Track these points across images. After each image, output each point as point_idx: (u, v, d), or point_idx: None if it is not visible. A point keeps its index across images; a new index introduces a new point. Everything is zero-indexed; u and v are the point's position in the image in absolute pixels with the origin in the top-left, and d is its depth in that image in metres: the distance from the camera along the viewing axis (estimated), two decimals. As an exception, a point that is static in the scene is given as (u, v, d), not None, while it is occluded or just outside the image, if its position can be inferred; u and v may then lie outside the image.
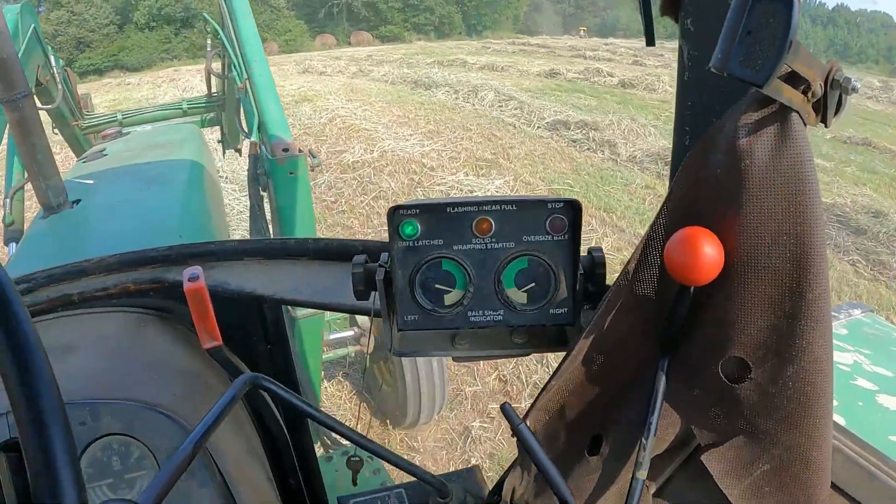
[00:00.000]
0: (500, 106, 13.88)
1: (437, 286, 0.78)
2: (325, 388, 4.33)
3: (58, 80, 3.55)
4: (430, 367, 3.43)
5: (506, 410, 0.75)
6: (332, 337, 3.73)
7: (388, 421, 3.94)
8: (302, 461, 1.28)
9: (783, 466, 0.66)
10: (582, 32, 40.73)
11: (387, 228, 0.77)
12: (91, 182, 2.62)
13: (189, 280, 0.90)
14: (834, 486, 0.70)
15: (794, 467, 0.66)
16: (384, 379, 3.91)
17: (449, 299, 0.79)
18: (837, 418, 0.86)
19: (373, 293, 0.82)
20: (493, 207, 0.75)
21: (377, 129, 11.94)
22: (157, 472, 0.79)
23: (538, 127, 12.07)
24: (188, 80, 20.34)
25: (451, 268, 0.77)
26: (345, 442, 3.42)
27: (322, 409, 1.05)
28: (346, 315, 3.70)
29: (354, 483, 1.08)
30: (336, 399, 4.29)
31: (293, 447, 1.19)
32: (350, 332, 3.79)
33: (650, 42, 0.76)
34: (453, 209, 0.75)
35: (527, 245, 0.77)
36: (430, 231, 0.76)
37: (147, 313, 1.15)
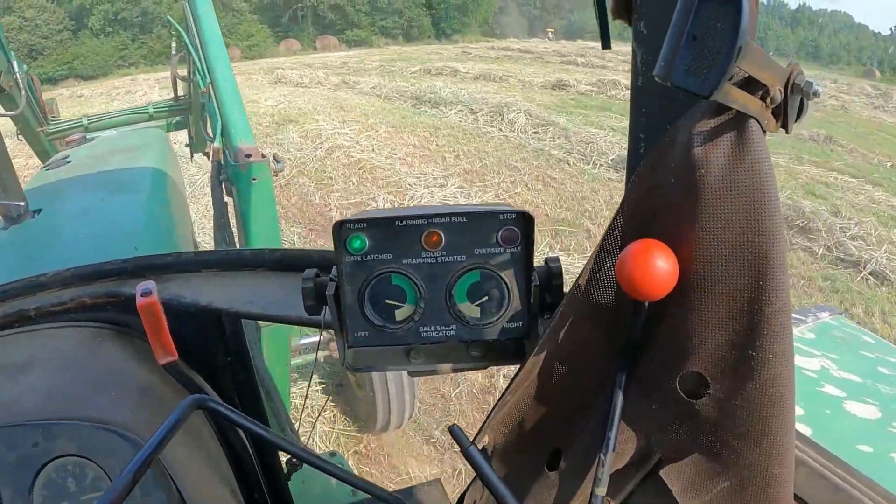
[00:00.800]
0: (536, 133, 11.14)
1: (387, 301, 0.76)
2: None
3: (21, 85, 3.46)
4: (399, 374, 3.41)
5: (454, 433, 0.73)
6: (301, 342, 3.69)
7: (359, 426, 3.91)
8: (268, 473, 1.27)
9: (744, 483, 0.64)
10: (550, 35, 40.29)
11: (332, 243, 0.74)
12: (53, 191, 2.56)
13: (142, 295, 0.89)
14: (798, 500, 0.68)
15: (755, 484, 0.64)
16: (357, 384, 3.88)
17: (400, 314, 0.76)
18: (803, 428, 0.85)
19: (324, 307, 0.79)
20: (443, 220, 0.73)
21: (395, 168, 9.58)
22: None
23: (600, 165, 9.41)
24: (146, 93, 18.96)
25: (402, 282, 0.75)
26: (319, 450, 3.38)
27: (294, 426, 1.02)
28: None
29: (289, 478, 1.06)
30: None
31: (258, 459, 1.18)
32: (317, 338, 3.76)
33: (605, 45, 0.73)
34: (402, 222, 0.73)
35: (478, 258, 0.75)
36: (379, 245, 0.74)
37: (104, 328, 1.13)
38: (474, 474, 1.00)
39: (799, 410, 0.85)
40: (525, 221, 0.73)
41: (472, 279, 0.75)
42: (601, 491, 0.66)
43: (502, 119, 11.97)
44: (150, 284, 0.90)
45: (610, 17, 0.67)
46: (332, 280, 0.77)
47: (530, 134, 11.23)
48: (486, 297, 0.76)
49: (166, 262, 1.19)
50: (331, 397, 4.21)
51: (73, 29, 34.04)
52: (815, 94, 0.57)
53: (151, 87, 20.69)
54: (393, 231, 0.74)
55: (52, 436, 0.81)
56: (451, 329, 0.77)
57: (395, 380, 3.41)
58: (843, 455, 0.76)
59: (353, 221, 0.73)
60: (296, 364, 3.71)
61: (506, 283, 0.75)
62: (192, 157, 5.30)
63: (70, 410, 0.86)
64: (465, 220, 0.73)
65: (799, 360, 1.03)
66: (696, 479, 0.66)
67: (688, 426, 0.65)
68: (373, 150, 10.48)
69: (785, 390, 0.59)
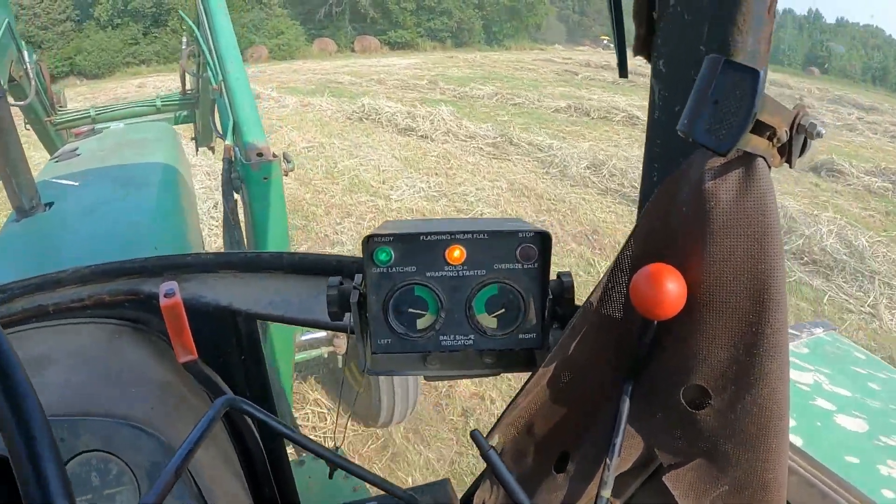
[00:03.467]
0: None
1: (409, 311, 0.80)
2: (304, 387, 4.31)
3: (31, 75, 3.48)
4: (405, 379, 3.45)
5: (475, 437, 0.77)
6: (304, 338, 3.72)
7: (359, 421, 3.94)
8: (276, 470, 1.29)
9: (740, 488, 0.69)
10: (606, 42, 34.24)
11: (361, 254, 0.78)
12: (67, 184, 2.58)
13: (165, 296, 0.91)
14: None
15: (751, 489, 0.69)
16: (357, 380, 3.91)
17: (421, 324, 0.80)
18: (795, 439, 0.89)
19: (346, 313, 0.83)
20: (466, 236, 0.77)
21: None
22: (133, 488, 0.80)
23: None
24: (161, 90, 16.02)
25: (424, 294, 0.79)
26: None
27: (296, 420, 1.05)
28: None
29: (330, 477, 1.09)
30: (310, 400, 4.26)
31: (267, 456, 1.20)
32: (323, 334, 3.79)
33: (623, 74, 0.78)
34: (426, 237, 0.77)
35: (497, 273, 0.79)
36: (404, 258, 0.78)
37: (121, 325, 1.14)
38: (479, 475, 1.05)
39: (791, 422, 0.89)
40: (543, 240, 0.77)
41: (490, 292, 0.79)
42: (606, 493, 0.71)
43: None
44: (172, 285, 0.92)
45: (630, 53, 0.71)
46: (355, 288, 0.80)
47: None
48: (503, 310, 0.80)
49: (186, 262, 1.21)
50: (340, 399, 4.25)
51: (78, 19, 29.52)
52: (819, 135, 0.62)
53: (161, 88, 17.65)
54: (418, 245, 0.77)
55: (77, 431, 0.82)
56: (470, 339, 0.81)
57: (400, 378, 3.45)
58: (831, 465, 0.81)
59: (380, 235, 0.77)
60: (299, 359, 3.75)
61: (522, 297, 0.79)
62: (196, 151, 5.33)
63: (90, 406, 0.88)
64: (486, 236, 0.77)
65: (793, 374, 1.08)
66: (697, 483, 0.71)
67: (689, 434, 0.70)
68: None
69: (780, 402, 0.64)
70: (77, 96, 17.55)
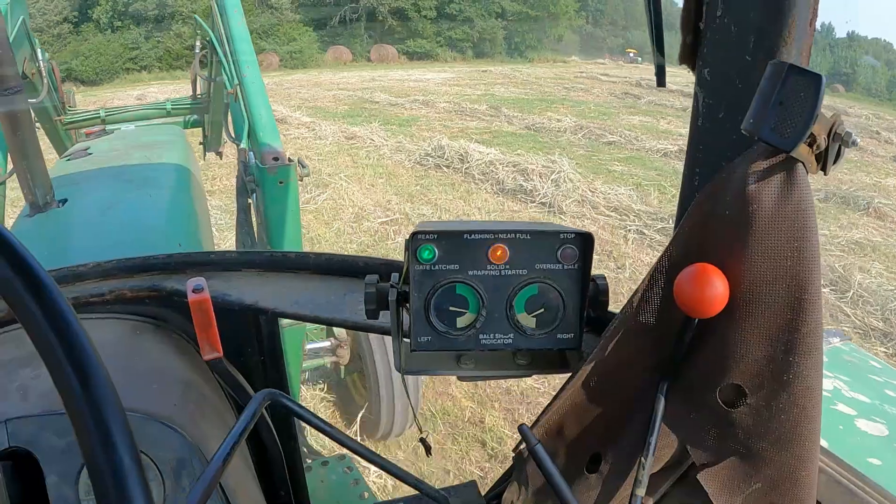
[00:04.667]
0: None
1: (450, 309, 0.81)
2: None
3: (43, 73, 3.51)
4: (400, 384, 3.45)
5: (523, 431, 0.79)
6: (308, 347, 3.73)
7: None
8: (291, 473, 1.29)
9: (774, 485, 0.71)
10: (632, 55, 33.72)
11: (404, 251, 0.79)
12: (77, 182, 2.60)
13: (193, 291, 0.92)
14: (817, 503, 0.75)
15: (784, 486, 0.70)
16: (357, 391, 3.92)
17: (461, 322, 0.81)
18: (821, 441, 0.91)
19: (381, 312, 0.84)
20: (509, 236, 0.78)
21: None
22: (158, 483, 0.80)
23: None
24: (157, 100, 13.41)
25: (465, 292, 0.80)
26: (324, 452, 3.42)
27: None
28: (324, 326, 3.70)
29: (428, 454, 1.09)
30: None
31: (285, 457, 1.20)
32: (326, 343, 3.80)
33: (661, 83, 0.80)
34: (470, 236, 0.78)
35: (539, 273, 0.80)
36: (447, 256, 0.79)
37: (143, 321, 1.14)
38: (502, 476, 1.07)
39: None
40: (584, 241, 0.79)
41: (531, 292, 0.81)
42: (641, 492, 0.73)
43: None
44: (201, 281, 0.93)
45: (678, 61, 0.74)
46: (392, 287, 0.82)
47: None
48: (542, 310, 0.81)
49: (210, 259, 1.21)
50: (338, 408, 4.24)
51: (76, 21, 27.81)
52: (854, 143, 0.64)
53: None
54: (461, 244, 0.79)
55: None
56: (510, 337, 0.82)
57: (399, 386, 3.45)
58: (855, 466, 0.83)
59: (424, 233, 0.78)
60: (304, 368, 3.76)
61: (562, 297, 0.80)
62: (204, 155, 5.36)
63: None
64: (528, 236, 0.79)
65: (818, 381, 1.10)
66: (731, 481, 0.73)
67: (724, 433, 0.72)
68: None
69: (814, 401, 0.66)
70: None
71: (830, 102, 20.99)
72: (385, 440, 3.84)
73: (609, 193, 8.83)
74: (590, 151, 11.95)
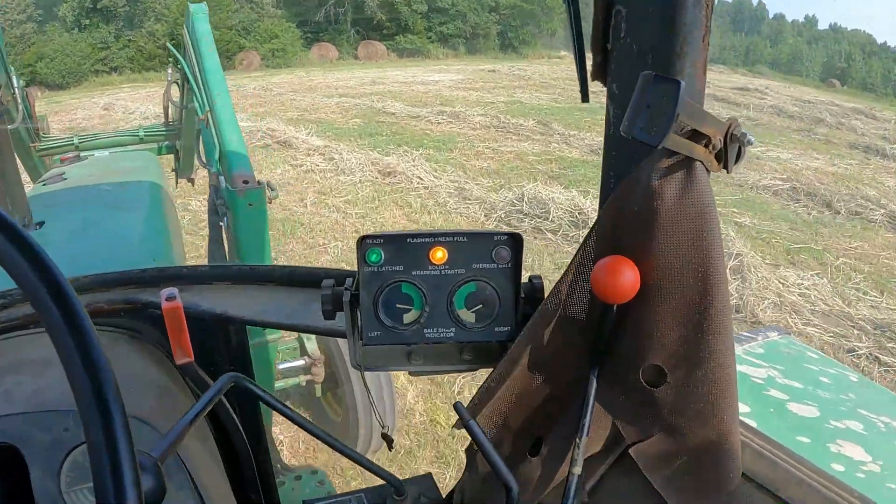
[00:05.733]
0: None
1: (397, 306, 0.89)
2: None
3: (19, 100, 3.54)
4: (381, 395, 3.47)
5: (458, 408, 0.86)
6: (282, 367, 3.75)
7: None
8: (261, 475, 1.34)
9: (698, 457, 0.78)
10: None
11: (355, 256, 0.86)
12: (53, 205, 2.64)
13: (167, 299, 0.98)
14: (744, 475, 0.82)
15: (707, 458, 0.78)
16: (334, 409, 3.93)
17: (408, 318, 0.89)
18: (750, 421, 0.98)
19: (338, 313, 0.91)
20: (447, 239, 0.87)
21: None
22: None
23: None
24: (132, 116, 13.14)
25: (410, 290, 0.88)
26: (296, 462, 3.42)
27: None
28: (297, 346, 3.69)
29: (390, 448, 1.14)
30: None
31: (255, 459, 1.25)
32: (300, 362, 3.81)
33: (585, 99, 0.88)
34: (413, 240, 0.87)
35: (475, 272, 0.88)
36: (393, 258, 0.87)
37: (119, 333, 1.19)
38: (463, 470, 1.12)
39: (746, 408, 0.99)
40: (515, 241, 0.88)
41: (469, 289, 0.89)
42: (577, 470, 0.80)
43: None
44: (174, 290, 0.99)
45: (589, 77, 0.82)
46: (346, 289, 0.90)
47: None
48: (480, 305, 0.89)
49: (182, 273, 1.27)
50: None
51: (40, 20, 25.76)
52: (749, 143, 0.73)
53: (139, 103, 14.61)
54: (405, 247, 0.87)
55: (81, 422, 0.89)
56: (451, 331, 0.90)
57: (378, 402, 3.47)
58: (785, 443, 0.90)
59: (372, 237, 0.86)
60: (277, 388, 3.77)
61: (498, 294, 0.89)
62: (177, 182, 5.37)
63: None
64: (465, 239, 0.87)
65: (748, 370, 1.16)
66: (659, 455, 0.80)
67: (650, 411, 0.79)
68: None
69: (728, 377, 0.74)
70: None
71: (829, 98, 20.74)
72: (364, 454, 3.85)
73: (796, 279, 6.10)
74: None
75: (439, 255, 0.87)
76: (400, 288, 0.88)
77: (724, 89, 19.71)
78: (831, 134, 14.12)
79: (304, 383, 3.91)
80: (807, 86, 27.53)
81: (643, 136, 0.59)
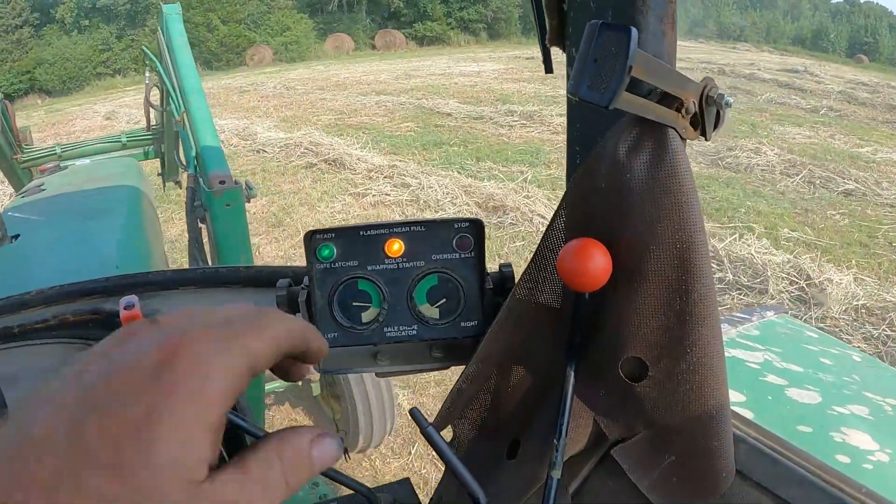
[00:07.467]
0: None
1: (354, 304, 0.82)
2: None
3: None
4: (380, 392, 3.43)
5: (414, 415, 0.78)
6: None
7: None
8: None
9: (687, 456, 0.71)
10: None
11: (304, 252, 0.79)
12: (30, 217, 2.63)
13: (125, 308, 0.93)
14: (739, 473, 0.75)
15: (697, 456, 0.70)
16: (332, 408, 3.88)
17: (366, 316, 0.82)
18: (745, 412, 0.91)
19: (297, 315, 0.84)
20: (403, 229, 0.80)
21: None
22: None
23: None
24: (137, 127, 9.00)
25: (367, 287, 0.81)
26: None
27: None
28: None
29: (346, 459, 1.10)
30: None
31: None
32: None
33: (548, 70, 0.81)
34: (366, 232, 0.80)
35: (436, 263, 0.81)
36: (346, 253, 0.80)
37: (87, 343, 1.16)
38: (442, 476, 1.05)
39: (741, 397, 0.92)
40: (477, 228, 0.80)
41: (430, 283, 0.82)
42: (556, 473, 0.72)
43: None
44: (132, 298, 0.94)
45: (547, 44, 0.74)
46: (303, 288, 0.83)
47: None
48: (444, 299, 0.82)
49: (145, 279, 1.23)
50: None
51: (37, 24, 24.45)
52: (727, 105, 0.65)
53: (140, 125, 10.52)
54: (358, 240, 0.80)
55: None
56: (413, 329, 0.83)
57: (375, 394, 3.43)
58: (783, 435, 0.83)
59: (322, 231, 0.79)
60: (271, 389, 3.72)
61: (461, 286, 0.81)
62: (164, 186, 5.31)
63: None
64: (423, 228, 0.80)
65: (743, 355, 1.10)
66: (644, 455, 0.73)
67: (632, 408, 0.71)
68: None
69: (716, 369, 0.66)
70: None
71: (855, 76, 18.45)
72: (364, 452, 3.81)
73: None
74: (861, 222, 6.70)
75: (395, 247, 0.80)
76: (356, 285, 0.81)
77: (771, 70, 17.60)
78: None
79: (300, 382, 3.87)
80: (834, 62, 26.28)
81: (591, 95, 0.51)
